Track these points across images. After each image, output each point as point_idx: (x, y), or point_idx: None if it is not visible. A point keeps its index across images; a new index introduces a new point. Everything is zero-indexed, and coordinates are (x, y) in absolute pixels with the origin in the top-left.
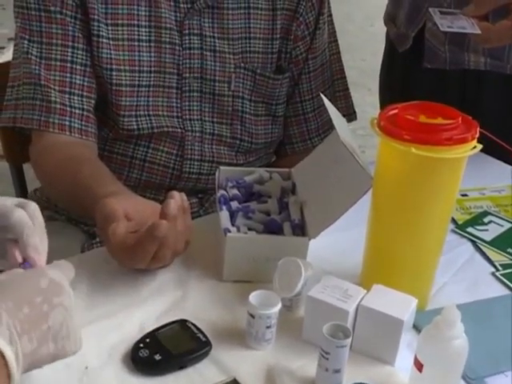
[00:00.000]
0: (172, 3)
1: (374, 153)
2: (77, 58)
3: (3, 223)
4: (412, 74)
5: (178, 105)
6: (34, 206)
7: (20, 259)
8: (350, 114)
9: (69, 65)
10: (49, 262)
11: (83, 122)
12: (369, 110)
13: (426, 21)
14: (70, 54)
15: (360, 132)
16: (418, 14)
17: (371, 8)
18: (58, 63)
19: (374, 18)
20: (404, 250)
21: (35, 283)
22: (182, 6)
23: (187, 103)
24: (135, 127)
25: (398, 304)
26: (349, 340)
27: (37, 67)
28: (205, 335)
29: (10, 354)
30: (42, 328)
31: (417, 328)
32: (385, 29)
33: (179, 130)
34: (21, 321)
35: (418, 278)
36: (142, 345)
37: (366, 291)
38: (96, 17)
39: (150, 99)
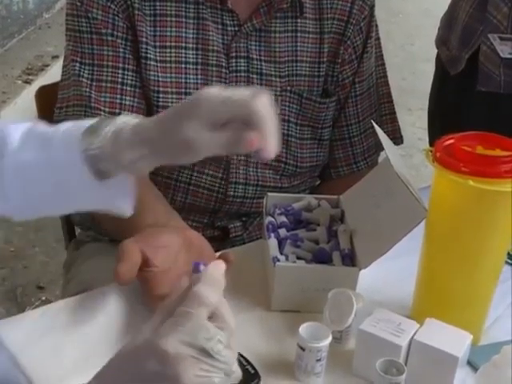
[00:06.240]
0: (219, 26)
1: (413, 174)
2: (127, 79)
3: (243, 112)
4: (464, 97)
5: None
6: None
7: (256, 146)
8: (396, 138)
9: (119, 86)
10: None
11: None
12: (409, 130)
13: (481, 44)
14: (120, 75)
15: (399, 152)
16: (472, 37)
17: (411, 27)
18: (109, 85)
19: (414, 37)
20: (458, 284)
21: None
22: (229, 28)
23: None
24: None
25: (452, 339)
26: (403, 377)
27: (87, 89)
28: (253, 367)
29: None
30: None
31: (471, 364)
32: (425, 48)
33: (224, 154)
34: None
35: (472, 312)
36: None
37: (418, 325)
38: (144, 39)
39: None
